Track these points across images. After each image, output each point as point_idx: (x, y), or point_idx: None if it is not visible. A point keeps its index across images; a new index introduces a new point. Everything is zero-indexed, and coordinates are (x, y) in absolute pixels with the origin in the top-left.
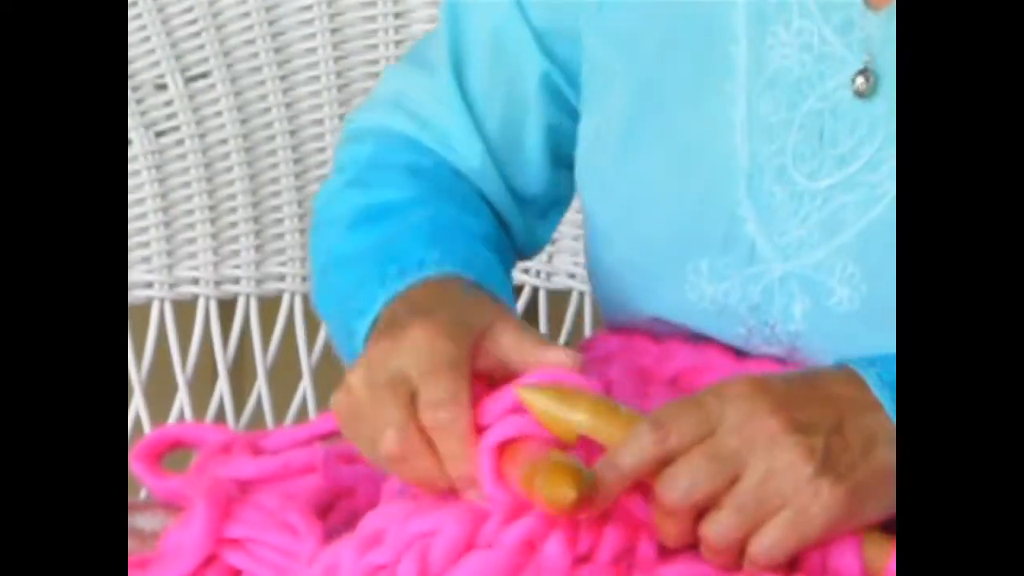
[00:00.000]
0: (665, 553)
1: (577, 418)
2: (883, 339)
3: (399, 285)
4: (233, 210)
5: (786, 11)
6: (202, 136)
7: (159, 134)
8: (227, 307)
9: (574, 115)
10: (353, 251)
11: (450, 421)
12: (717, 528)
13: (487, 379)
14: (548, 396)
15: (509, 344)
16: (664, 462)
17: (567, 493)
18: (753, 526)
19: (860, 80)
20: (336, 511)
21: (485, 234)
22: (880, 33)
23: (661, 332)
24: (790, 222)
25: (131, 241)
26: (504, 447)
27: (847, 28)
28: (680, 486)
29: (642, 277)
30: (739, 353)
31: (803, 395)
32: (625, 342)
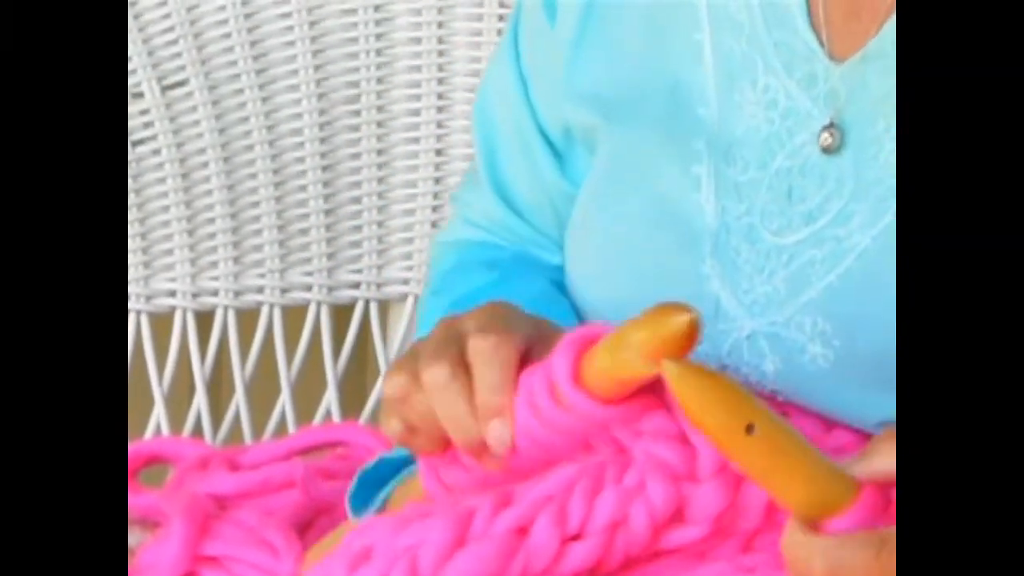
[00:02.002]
0: (658, 522)
1: (713, 415)
2: (860, 394)
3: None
4: (211, 221)
5: (751, 69)
6: (179, 145)
7: (135, 143)
8: (205, 320)
9: None
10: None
11: (493, 348)
12: None
13: None
14: (692, 380)
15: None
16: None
17: (682, 314)
18: None
19: (826, 136)
20: (316, 528)
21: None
22: (844, 85)
23: None
24: (756, 279)
25: None
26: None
27: (811, 82)
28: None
29: None
30: None
31: None
32: None
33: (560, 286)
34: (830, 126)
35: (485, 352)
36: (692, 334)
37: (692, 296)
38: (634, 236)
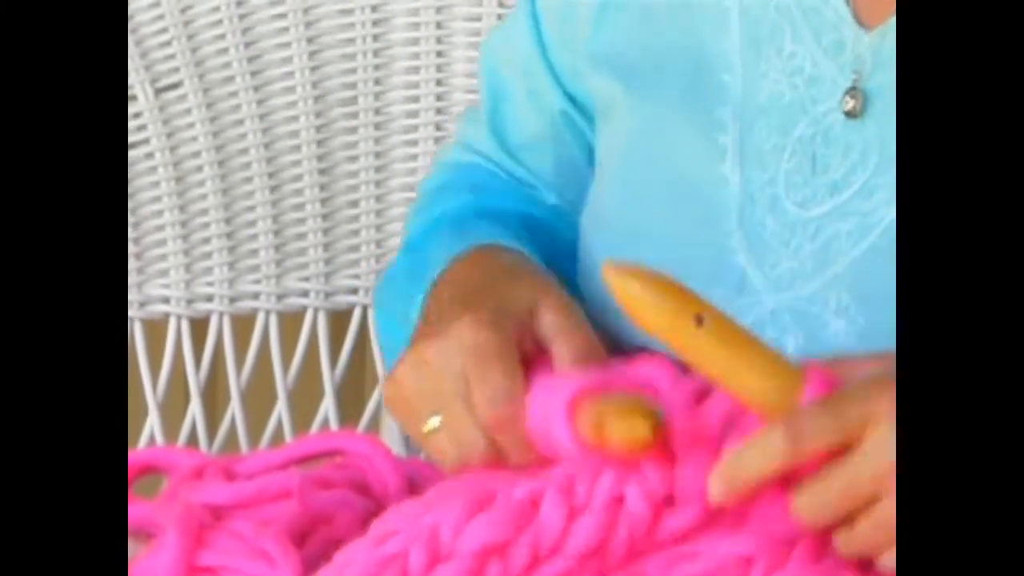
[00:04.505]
0: (655, 502)
1: (661, 310)
2: None
3: (424, 287)
4: (205, 226)
5: (779, 36)
6: (173, 149)
7: (128, 146)
8: (199, 326)
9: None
10: (395, 272)
11: (509, 416)
12: (850, 542)
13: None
14: (636, 281)
15: (549, 325)
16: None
17: (641, 430)
18: (888, 544)
19: (848, 99)
20: (313, 538)
21: (529, 216)
22: (871, 53)
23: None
24: (782, 253)
25: None
26: (572, 405)
27: (838, 49)
28: (817, 508)
29: None
30: None
31: None
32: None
33: (548, 221)
34: (853, 90)
35: (502, 421)
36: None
37: (717, 270)
38: (657, 211)
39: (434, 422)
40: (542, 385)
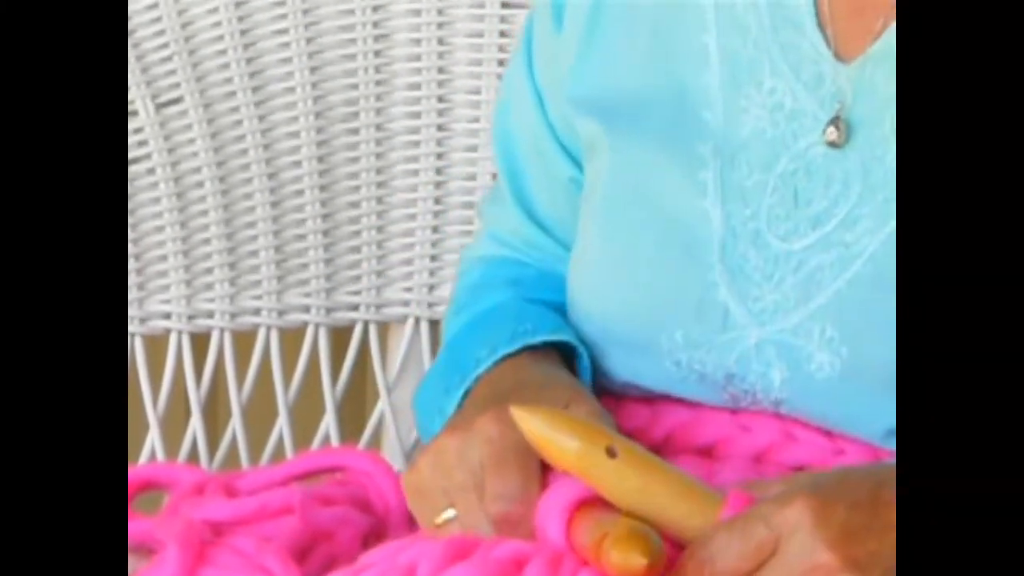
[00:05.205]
0: None
1: (571, 445)
2: (868, 402)
3: (465, 382)
4: (206, 241)
5: (758, 72)
6: (174, 164)
7: (129, 162)
8: (200, 342)
9: None
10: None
11: (519, 517)
12: None
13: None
14: (542, 419)
15: None
16: None
17: (638, 560)
18: None
19: (832, 130)
20: (314, 555)
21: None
22: (851, 85)
23: (651, 396)
24: (764, 286)
25: None
26: (572, 509)
27: (818, 83)
28: None
29: (618, 345)
30: (732, 409)
31: (864, 525)
32: (614, 406)
33: None
34: (836, 120)
35: (511, 521)
36: None
37: (700, 305)
38: (639, 247)
39: (448, 514)
40: (556, 486)
